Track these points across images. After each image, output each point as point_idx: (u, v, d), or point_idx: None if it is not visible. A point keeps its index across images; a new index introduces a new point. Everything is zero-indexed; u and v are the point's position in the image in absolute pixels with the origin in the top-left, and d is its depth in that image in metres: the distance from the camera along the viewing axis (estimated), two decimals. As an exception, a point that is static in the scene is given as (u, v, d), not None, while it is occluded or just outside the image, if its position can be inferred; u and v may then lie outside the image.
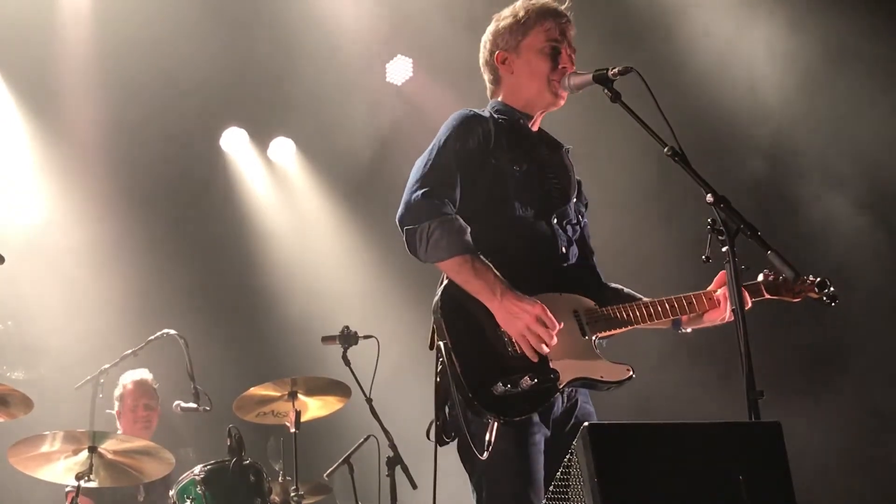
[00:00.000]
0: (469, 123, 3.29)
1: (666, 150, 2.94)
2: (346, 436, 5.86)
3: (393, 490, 5.20)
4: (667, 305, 3.21)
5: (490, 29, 3.51)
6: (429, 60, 7.82)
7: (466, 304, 3.06)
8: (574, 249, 3.34)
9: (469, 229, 3.09)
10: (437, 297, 3.11)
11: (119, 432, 5.93)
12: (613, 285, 3.43)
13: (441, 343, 3.05)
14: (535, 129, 3.46)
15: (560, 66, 3.35)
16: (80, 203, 7.64)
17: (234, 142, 8.36)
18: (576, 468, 2.40)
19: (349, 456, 5.67)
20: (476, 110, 3.37)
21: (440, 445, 3.10)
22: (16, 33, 7.02)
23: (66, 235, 7.51)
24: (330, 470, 5.74)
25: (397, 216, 3.14)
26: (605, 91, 3.14)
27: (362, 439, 5.66)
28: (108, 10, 7.16)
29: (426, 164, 3.20)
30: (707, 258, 2.84)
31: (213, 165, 8.33)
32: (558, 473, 2.53)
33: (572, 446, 2.44)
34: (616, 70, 3.12)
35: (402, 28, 7.55)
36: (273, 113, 8.26)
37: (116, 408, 6.06)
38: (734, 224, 2.78)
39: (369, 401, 5.29)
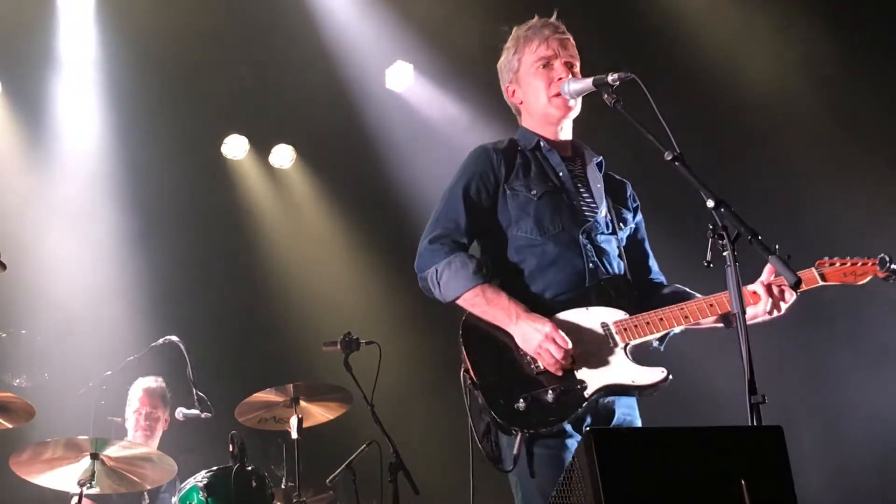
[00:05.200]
0: (478, 159, 3.41)
1: (667, 154, 2.96)
2: (348, 441, 5.85)
3: (395, 496, 5.19)
4: (703, 304, 3.19)
5: (497, 64, 3.62)
6: (429, 66, 7.83)
7: (489, 330, 3.18)
8: (613, 260, 3.36)
9: (476, 261, 3.21)
10: (459, 330, 3.22)
11: (127, 438, 5.93)
12: (669, 289, 3.44)
13: (463, 370, 3.15)
14: (562, 142, 3.50)
15: (556, 79, 3.40)
16: (81, 211, 7.65)
17: (236, 149, 8.38)
18: (577, 472, 2.41)
19: (351, 462, 5.66)
20: (487, 144, 3.46)
21: (495, 466, 3.13)
22: (14, 38, 7.04)
23: (68, 242, 7.52)
24: (332, 476, 5.72)
25: (415, 265, 3.32)
26: (605, 96, 3.17)
27: (364, 445, 5.65)
28: (109, 18, 7.18)
29: (437, 211, 3.37)
30: (708, 263, 2.83)
31: (215, 172, 8.34)
32: (560, 478, 2.53)
33: (574, 451, 2.45)
34: (616, 76, 3.15)
35: (402, 34, 7.57)
36: (274, 120, 8.28)
37: (128, 402, 6.08)
38: (735, 228, 2.79)
39: (371, 406, 5.29)
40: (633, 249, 3.50)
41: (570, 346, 3.05)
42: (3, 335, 6.14)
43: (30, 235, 7.30)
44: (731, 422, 2.66)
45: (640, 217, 3.61)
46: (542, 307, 3.17)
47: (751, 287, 3.20)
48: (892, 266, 3.17)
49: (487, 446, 3.12)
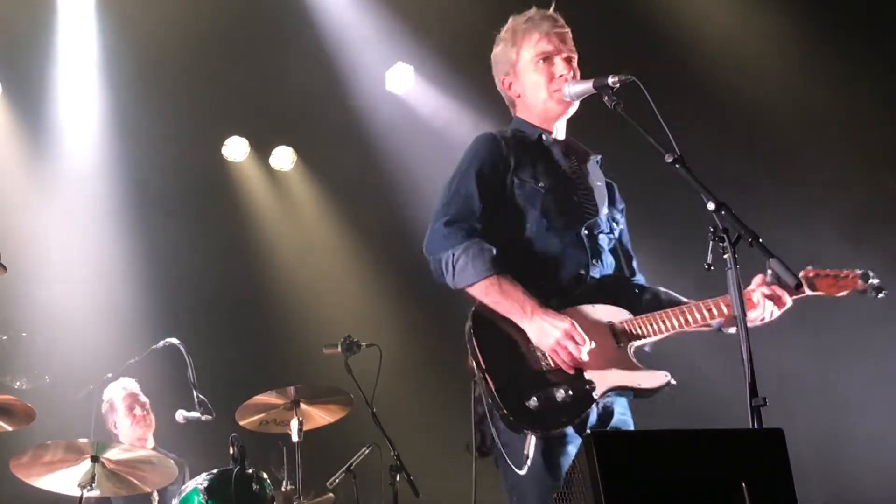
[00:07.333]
0: (488, 146, 3.32)
1: (668, 157, 2.96)
2: (348, 444, 5.86)
3: (396, 498, 5.20)
4: (703, 309, 3.15)
5: (492, 54, 3.57)
6: (430, 68, 7.83)
7: (498, 322, 3.10)
8: (608, 259, 3.34)
9: (494, 250, 3.11)
10: (468, 320, 3.12)
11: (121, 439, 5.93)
12: (654, 290, 3.42)
13: (473, 363, 3.06)
14: (560, 139, 3.48)
15: (557, 76, 3.37)
16: (82, 213, 7.65)
17: (236, 151, 8.38)
18: (578, 476, 2.41)
19: (352, 464, 5.66)
20: (494, 132, 3.40)
21: (481, 457, 3.09)
22: (15, 38, 7.04)
23: (69, 245, 7.52)
24: (333, 479, 5.73)
25: (424, 245, 3.21)
26: (605, 99, 3.16)
27: (365, 448, 5.65)
28: (109, 19, 7.19)
29: (449, 193, 3.25)
30: (709, 265, 2.83)
31: (216, 174, 8.34)
32: (561, 482, 2.53)
33: (575, 454, 2.44)
34: (616, 78, 3.14)
35: (402, 35, 7.57)
36: (274, 122, 8.28)
37: (108, 411, 6.04)
38: (736, 231, 2.78)
39: (372, 409, 5.29)
40: (620, 251, 3.46)
41: (587, 343, 3.00)
42: (4, 338, 6.13)
43: (30, 237, 7.30)
44: (731, 425, 2.66)
45: (624, 218, 3.57)
46: (545, 301, 3.09)
47: (751, 293, 3.17)
48: (873, 282, 3.21)
49: (479, 437, 3.06)
